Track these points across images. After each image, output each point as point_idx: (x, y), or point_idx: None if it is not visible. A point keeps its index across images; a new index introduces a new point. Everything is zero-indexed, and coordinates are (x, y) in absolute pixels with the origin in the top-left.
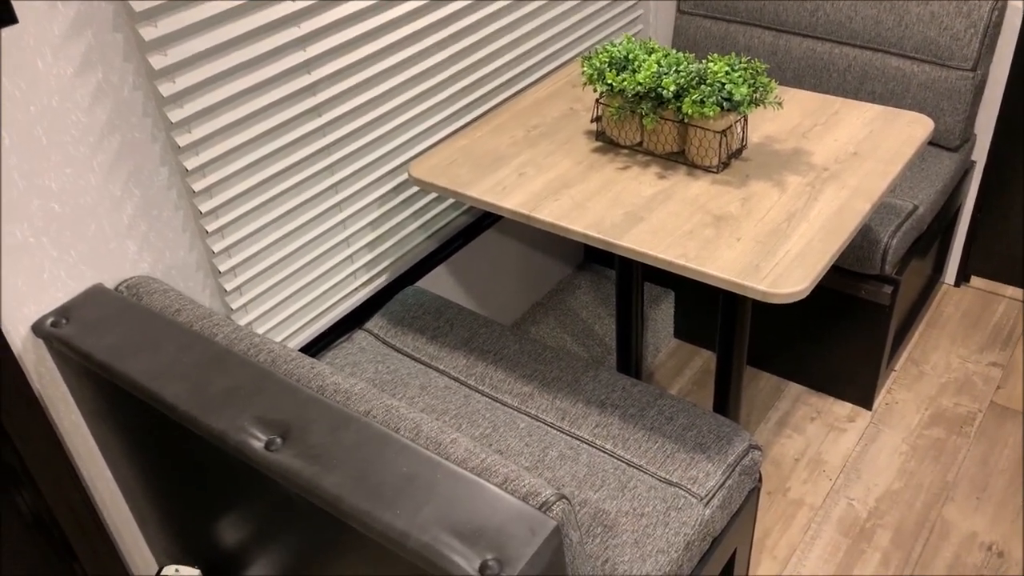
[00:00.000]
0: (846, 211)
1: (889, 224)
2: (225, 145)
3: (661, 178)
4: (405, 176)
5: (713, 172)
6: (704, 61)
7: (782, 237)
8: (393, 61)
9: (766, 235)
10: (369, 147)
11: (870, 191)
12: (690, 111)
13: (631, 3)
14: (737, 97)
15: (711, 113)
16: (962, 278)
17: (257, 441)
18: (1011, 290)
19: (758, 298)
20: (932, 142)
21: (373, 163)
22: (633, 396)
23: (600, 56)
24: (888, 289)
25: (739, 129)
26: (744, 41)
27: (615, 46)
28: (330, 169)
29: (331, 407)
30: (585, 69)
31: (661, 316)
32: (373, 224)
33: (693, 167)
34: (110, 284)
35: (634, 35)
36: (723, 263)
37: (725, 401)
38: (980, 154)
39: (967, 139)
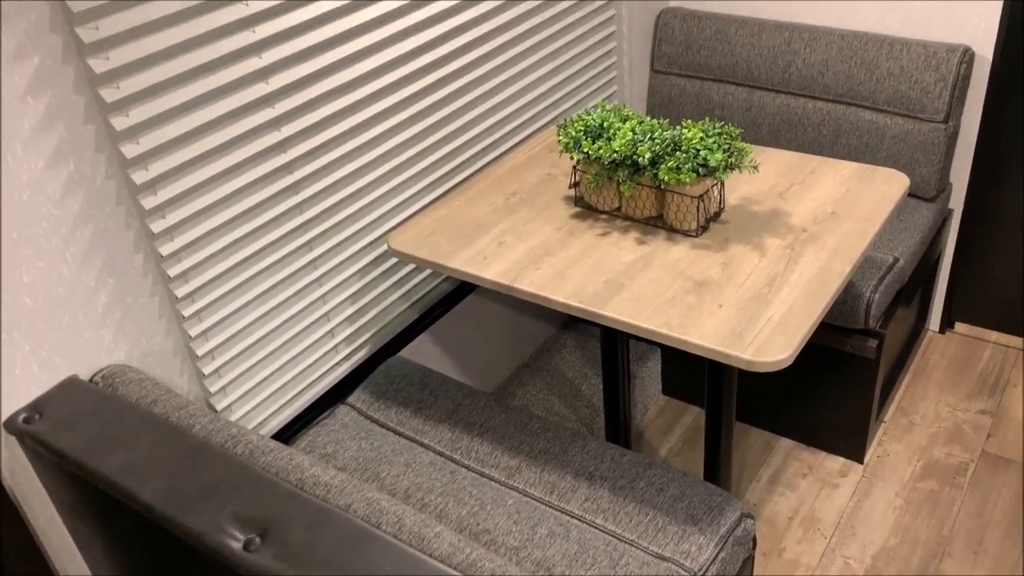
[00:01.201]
0: (827, 273)
1: (871, 278)
2: (200, 228)
3: (641, 243)
4: (385, 247)
5: (692, 236)
6: (678, 127)
7: (764, 303)
8: (370, 135)
9: (747, 301)
10: (347, 221)
11: (850, 251)
12: (666, 177)
13: (606, 65)
14: (712, 163)
15: (687, 179)
16: (946, 324)
17: (235, 541)
18: (995, 335)
19: (742, 367)
20: (909, 193)
21: (352, 236)
22: (622, 466)
23: (575, 125)
24: (873, 343)
25: (716, 192)
26: (718, 98)
27: (590, 115)
28: (309, 245)
29: (311, 502)
30: (561, 138)
31: (648, 374)
32: (353, 297)
33: (672, 231)
34: (85, 375)
35: (609, 95)
36: (706, 331)
37: (716, 468)
38: (956, 202)
39: (943, 188)
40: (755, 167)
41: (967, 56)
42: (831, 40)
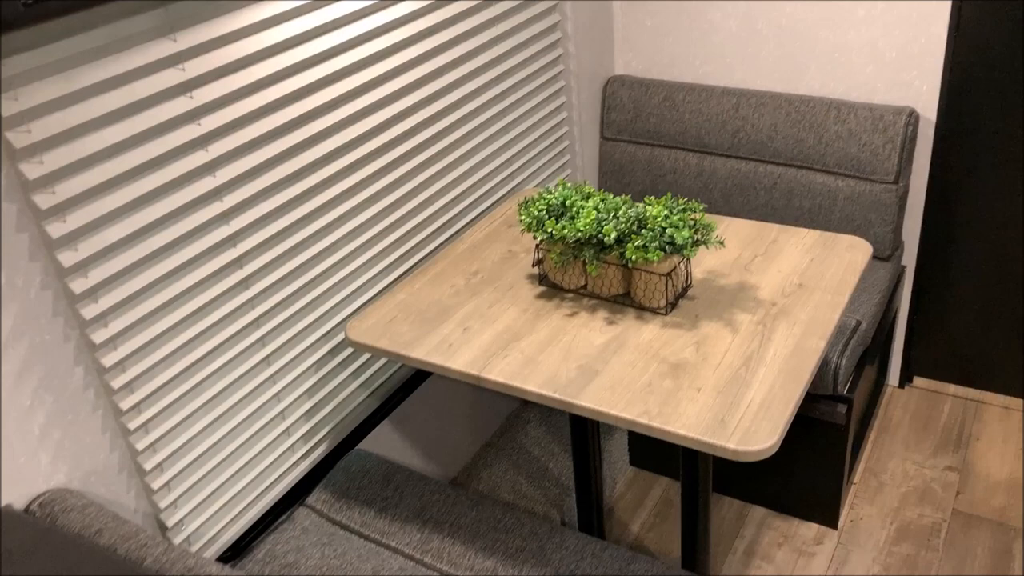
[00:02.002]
0: (802, 351)
1: (836, 343)
2: (147, 334)
3: (611, 324)
4: (341, 337)
5: (662, 314)
6: (641, 204)
7: (743, 385)
8: (322, 222)
9: (726, 383)
10: (302, 312)
11: (823, 326)
12: (634, 256)
13: (558, 135)
14: (679, 241)
15: (655, 258)
16: (905, 379)
17: None
18: (953, 388)
19: (728, 457)
20: None
21: (307, 328)
22: (604, 562)
23: (537, 204)
24: (842, 408)
25: (683, 268)
26: (669, 164)
27: (551, 193)
28: (262, 341)
29: None
30: (523, 217)
31: (615, 446)
32: (309, 391)
33: (641, 309)
34: (20, 503)
35: (562, 164)
36: (687, 420)
37: (694, 553)
38: (909, 259)
39: (897, 247)
40: (721, 243)
41: (913, 118)
42: (778, 105)
